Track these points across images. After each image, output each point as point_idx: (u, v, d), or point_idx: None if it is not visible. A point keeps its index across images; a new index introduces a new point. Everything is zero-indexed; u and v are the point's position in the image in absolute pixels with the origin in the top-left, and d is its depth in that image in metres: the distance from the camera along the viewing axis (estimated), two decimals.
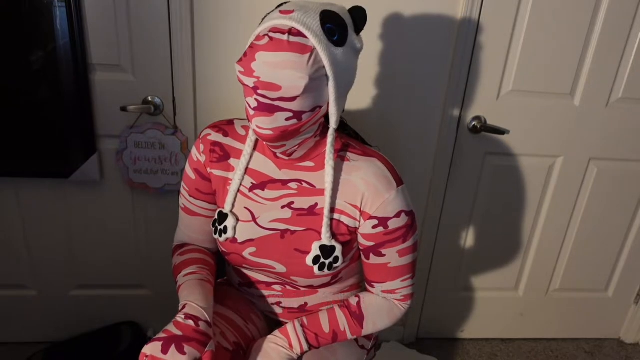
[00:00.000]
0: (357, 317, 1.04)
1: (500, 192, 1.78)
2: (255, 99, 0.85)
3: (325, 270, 0.98)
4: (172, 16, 1.43)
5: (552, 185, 1.79)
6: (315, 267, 0.98)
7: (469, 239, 1.86)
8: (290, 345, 1.01)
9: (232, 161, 1.03)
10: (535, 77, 1.61)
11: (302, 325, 1.03)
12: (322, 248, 0.97)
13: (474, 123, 1.64)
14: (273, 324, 1.20)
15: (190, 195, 1.08)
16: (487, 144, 1.70)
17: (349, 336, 1.05)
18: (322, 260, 0.98)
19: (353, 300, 1.06)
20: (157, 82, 1.50)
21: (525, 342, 2.08)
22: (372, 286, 1.06)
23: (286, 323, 1.11)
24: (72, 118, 1.49)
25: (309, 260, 0.98)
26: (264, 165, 1.02)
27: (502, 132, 1.62)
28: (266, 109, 0.85)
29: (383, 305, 1.06)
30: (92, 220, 1.68)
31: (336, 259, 0.98)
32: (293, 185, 1.00)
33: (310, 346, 1.03)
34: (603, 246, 1.93)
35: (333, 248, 0.97)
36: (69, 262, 1.74)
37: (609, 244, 1.93)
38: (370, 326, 1.05)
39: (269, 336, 1.04)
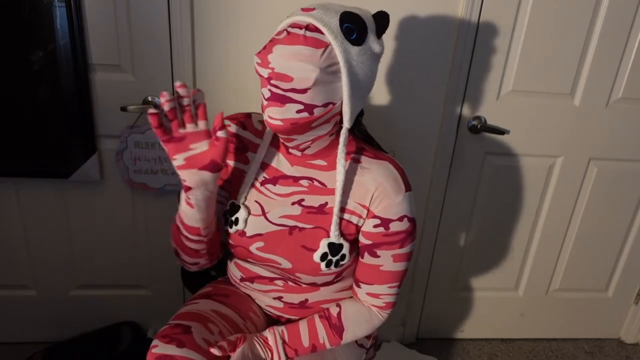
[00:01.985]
0: (336, 328, 1.05)
1: (500, 192, 1.78)
2: (269, 89, 0.89)
3: (332, 267, 1.00)
4: (172, 16, 1.43)
5: (552, 185, 1.79)
6: (323, 264, 0.99)
7: (469, 239, 1.86)
8: (271, 358, 1.02)
9: (248, 154, 1.06)
10: (535, 77, 1.61)
11: (284, 342, 1.03)
12: (330, 245, 0.99)
13: (474, 123, 1.64)
14: (272, 321, 1.20)
15: None
16: (487, 144, 1.70)
17: (328, 347, 1.06)
18: (329, 257, 0.99)
19: (334, 311, 1.07)
20: (157, 82, 1.50)
21: (525, 342, 2.08)
22: (359, 286, 1.07)
23: (285, 320, 1.13)
24: (72, 118, 1.49)
25: (316, 256, 0.99)
26: (277, 160, 1.04)
27: (502, 132, 1.62)
28: (278, 99, 0.88)
29: (363, 314, 1.06)
30: (92, 220, 1.68)
31: (343, 257, 1.00)
32: (304, 182, 1.02)
33: (287, 358, 1.04)
34: (603, 246, 1.93)
35: (341, 246, 0.99)
36: (69, 262, 1.74)
37: (609, 244, 1.93)
38: (350, 336, 1.06)
39: (254, 341, 1.02)
